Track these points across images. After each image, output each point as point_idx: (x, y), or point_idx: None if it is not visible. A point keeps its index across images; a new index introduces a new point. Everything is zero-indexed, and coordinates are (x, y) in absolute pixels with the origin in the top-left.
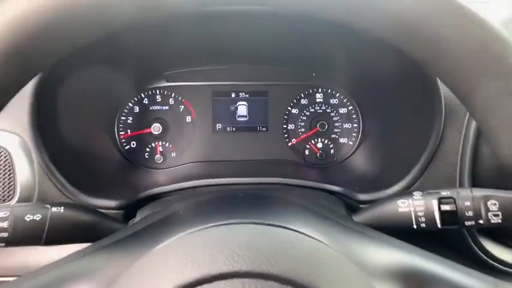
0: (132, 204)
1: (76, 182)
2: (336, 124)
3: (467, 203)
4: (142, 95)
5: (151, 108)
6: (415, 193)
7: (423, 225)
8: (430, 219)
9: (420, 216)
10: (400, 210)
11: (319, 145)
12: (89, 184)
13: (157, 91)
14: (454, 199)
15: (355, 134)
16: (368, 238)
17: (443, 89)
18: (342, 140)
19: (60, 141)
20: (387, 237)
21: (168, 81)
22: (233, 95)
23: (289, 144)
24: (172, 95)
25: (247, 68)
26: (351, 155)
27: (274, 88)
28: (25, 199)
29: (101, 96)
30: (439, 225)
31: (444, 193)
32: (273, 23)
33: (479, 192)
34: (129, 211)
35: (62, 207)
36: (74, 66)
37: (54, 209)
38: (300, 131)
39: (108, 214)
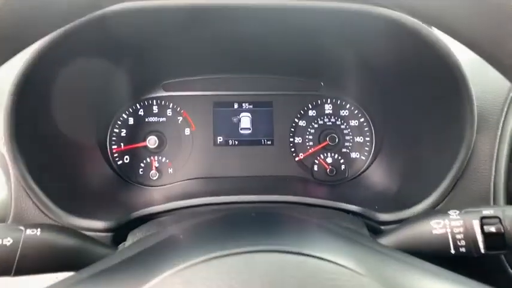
0: (123, 225)
1: (59, 200)
2: (347, 137)
3: None
4: (137, 105)
5: (147, 119)
6: (450, 212)
7: (463, 249)
8: (472, 243)
9: (459, 240)
10: (435, 232)
11: (329, 160)
12: (74, 202)
13: (154, 101)
14: (500, 219)
15: (367, 148)
16: (412, 267)
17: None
18: (353, 155)
19: (42, 154)
20: (429, 265)
21: (165, 91)
22: (236, 106)
23: (297, 159)
24: (170, 106)
25: (251, 77)
26: (364, 170)
27: (279, 98)
28: None
29: (92, 105)
30: (482, 250)
31: (487, 212)
32: (278, 27)
33: None
34: (119, 233)
35: (39, 229)
36: (61, 70)
37: (29, 231)
38: (308, 145)
39: (94, 237)
